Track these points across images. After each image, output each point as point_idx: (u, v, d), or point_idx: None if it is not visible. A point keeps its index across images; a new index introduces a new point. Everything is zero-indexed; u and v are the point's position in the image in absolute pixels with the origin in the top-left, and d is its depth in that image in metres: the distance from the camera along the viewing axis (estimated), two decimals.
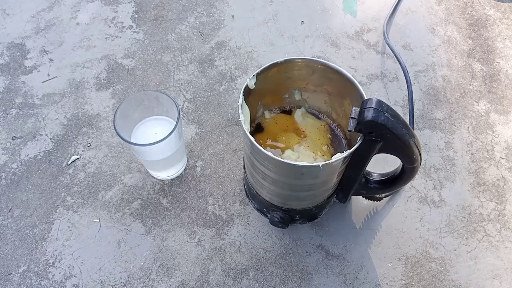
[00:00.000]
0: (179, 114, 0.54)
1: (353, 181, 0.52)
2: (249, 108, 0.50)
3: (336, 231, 0.61)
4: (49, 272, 0.57)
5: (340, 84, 0.50)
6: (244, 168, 0.57)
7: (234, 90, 0.73)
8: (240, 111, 0.46)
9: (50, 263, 0.58)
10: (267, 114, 0.58)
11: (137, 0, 0.83)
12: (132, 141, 0.57)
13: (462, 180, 0.65)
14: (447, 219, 0.62)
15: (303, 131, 0.56)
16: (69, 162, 0.65)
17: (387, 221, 0.62)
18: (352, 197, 0.62)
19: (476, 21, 0.82)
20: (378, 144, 0.45)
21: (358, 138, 0.44)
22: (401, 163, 0.50)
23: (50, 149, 0.66)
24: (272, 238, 0.60)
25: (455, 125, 0.70)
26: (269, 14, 0.82)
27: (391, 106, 0.46)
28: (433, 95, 0.73)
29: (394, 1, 0.83)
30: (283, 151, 0.54)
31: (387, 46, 0.77)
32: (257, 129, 0.57)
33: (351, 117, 0.43)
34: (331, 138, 0.56)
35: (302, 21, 0.81)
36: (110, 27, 0.79)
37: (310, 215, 0.58)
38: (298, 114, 0.58)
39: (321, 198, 0.54)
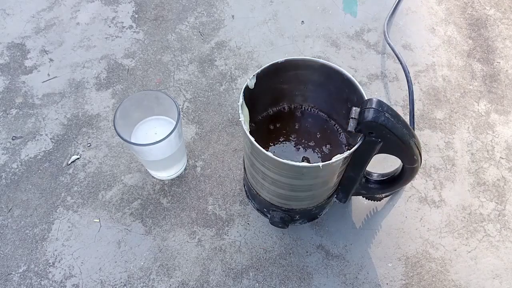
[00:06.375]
0: (179, 114, 0.54)
1: (353, 181, 0.52)
2: (249, 108, 0.50)
3: (336, 231, 0.61)
4: (49, 272, 0.57)
5: (340, 84, 0.50)
6: (244, 168, 0.57)
7: (234, 90, 0.73)
8: (240, 111, 0.46)
9: (50, 263, 0.58)
10: (267, 114, 0.57)
11: (137, 0, 0.83)
12: (132, 141, 0.57)
13: (462, 180, 0.65)
14: (447, 219, 0.62)
15: (303, 131, 0.56)
16: (69, 162, 0.65)
17: (387, 221, 0.62)
18: (352, 197, 0.62)
19: (476, 21, 0.82)
20: (378, 145, 0.45)
21: (358, 139, 0.44)
22: (401, 163, 0.50)
23: (50, 149, 0.66)
24: (272, 238, 0.60)
25: (455, 125, 0.70)
26: (269, 14, 0.82)
27: (391, 106, 0.46)
28: (433, 95, 0.73)
29: (394, 1, 0.83)
30: (283, 150, 0.54)
31: (387, 46, 0.77)
32: (257, 129, 0.57)
33: (351, 118, 0.43)
34: (331, 138, 0.56)
35: (302, 21, 0.81)
36: (110, 27, 0.79)
37: (310, 215, 0.58)
38: (298, 114, 0.58)
39: (321, 198, 0.54)
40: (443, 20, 0.82)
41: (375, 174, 0.55)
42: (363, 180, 0.54)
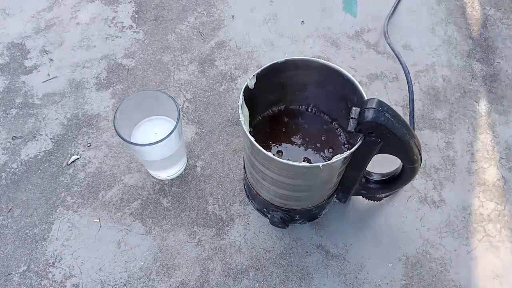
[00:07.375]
0: (179, 114, 0.54)
1: (353, 181, 0.52)
2: (249, 108, 0.50)
3: (336, 231, 0.61)
4: (49, 272, 0.57)
5: (340, 84, 0.50)
6: (244, 168, 0.57)
7: (234, 90, 0.73)
8: (240, 111, 0.46)
9: (50, 263, 0.58)
10: (267, 114, 0.57)
11: (137, 0, 0.83)
12: (132, 141, 0.57)
13: (462, 180, 0.65)
14: (447, 219, 0.62)
15: (303, 131, 0.56)
16: (69, 162, 0.65)
17: (387, 221, 0.62)
18: (352, 197, 0.62)
19: (476, 21, 0.82)
20: (378, 145, 0.45)
21: (358, 139, 0.44)
22: (401, 163, 0.50)
23: (50, 149, 0.66)
24: (272, 238, 0.60)
25: (455, 125, 0.70)
26: (269, 14, 0.82)
27: (391, 106, 0.46)
28: (433, 95, 0.73)
29: (394, 1, 0.83)
30: (283, 151, 0.54)
31: (387, 46, 0.77)
32: (257, 129, 0.57)
33: (351, 118, 0.43)
34: (331, 138, 0.56)
35: (302, 21, 0.81)
36: (110, 27, 0.79)
37: (310, 215, 0.58)
38: (298, 114, 0.58)
39: (321, 198, 0.54)
40: (443, 20, 0.82)
41: (375, 174, 0.55)
42: (363, 180, 0.54)
